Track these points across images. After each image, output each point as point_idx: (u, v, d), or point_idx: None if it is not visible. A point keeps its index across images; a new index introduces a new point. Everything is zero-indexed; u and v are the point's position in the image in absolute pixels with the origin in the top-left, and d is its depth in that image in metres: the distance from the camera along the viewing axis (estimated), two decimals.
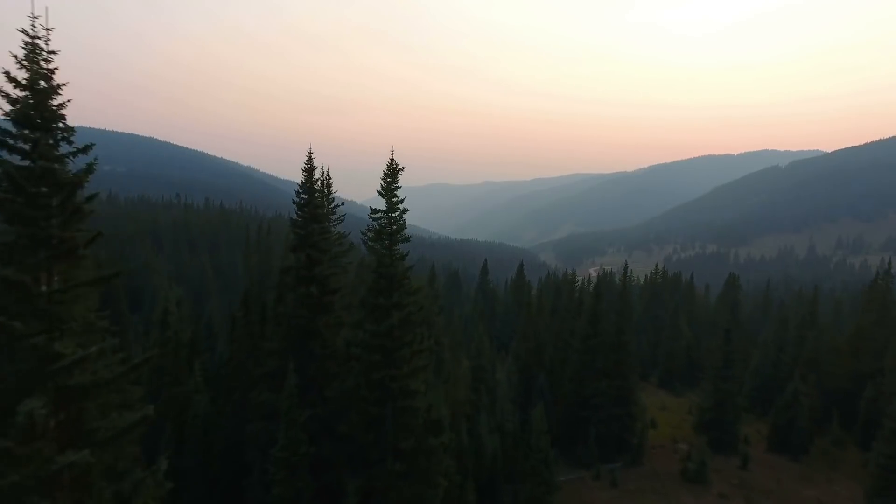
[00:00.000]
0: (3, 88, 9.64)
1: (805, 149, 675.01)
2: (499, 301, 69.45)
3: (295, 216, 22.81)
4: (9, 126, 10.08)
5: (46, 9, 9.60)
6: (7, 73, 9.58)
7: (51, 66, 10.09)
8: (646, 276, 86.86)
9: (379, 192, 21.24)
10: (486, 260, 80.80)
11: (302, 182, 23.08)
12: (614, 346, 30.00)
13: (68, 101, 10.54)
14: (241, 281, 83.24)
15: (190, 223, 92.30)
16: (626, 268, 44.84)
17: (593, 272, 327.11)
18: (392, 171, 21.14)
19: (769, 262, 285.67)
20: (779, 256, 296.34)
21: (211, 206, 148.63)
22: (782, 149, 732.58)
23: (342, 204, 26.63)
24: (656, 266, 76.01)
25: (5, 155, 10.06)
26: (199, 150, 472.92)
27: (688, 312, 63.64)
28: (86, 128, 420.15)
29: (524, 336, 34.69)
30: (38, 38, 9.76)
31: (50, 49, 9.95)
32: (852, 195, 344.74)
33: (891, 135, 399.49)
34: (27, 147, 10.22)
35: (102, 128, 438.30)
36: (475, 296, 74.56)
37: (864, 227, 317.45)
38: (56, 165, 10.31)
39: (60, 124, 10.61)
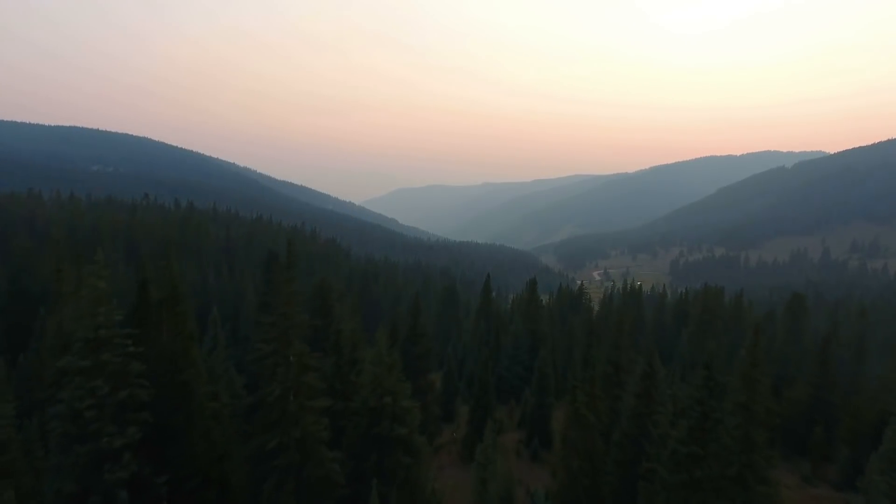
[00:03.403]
0: None
1: (808, 150, 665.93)
2: (504, 328, 55.01)
3: None
4: None
5: None
6: None
7: None
8: (681, 292, 72.70)
9: None
10: (489, 276, 66.22)
11: None
12: (740, 478, 15.90)
13: None
14: (190, 302, 69.00)
15: (134, 227, 77.69)
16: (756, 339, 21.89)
17: (597, 275, 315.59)
18: None
19: (782, 267, 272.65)
20: (792, 260, 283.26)
21: (180, 207, 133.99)
22: (785, 150, 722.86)
23: None
24: (705, 286, 61.30)
25: None
26: (195, 150, 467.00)
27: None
28: (79, 128, 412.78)
29: (568, 445, 20.17)
30: None
31: None
32: (865, 196, 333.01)
33: None
34: None
35: (96, 127, 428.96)
36: (476, 320, 60.17)
37: (880, 229, 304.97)
38: None
39: None
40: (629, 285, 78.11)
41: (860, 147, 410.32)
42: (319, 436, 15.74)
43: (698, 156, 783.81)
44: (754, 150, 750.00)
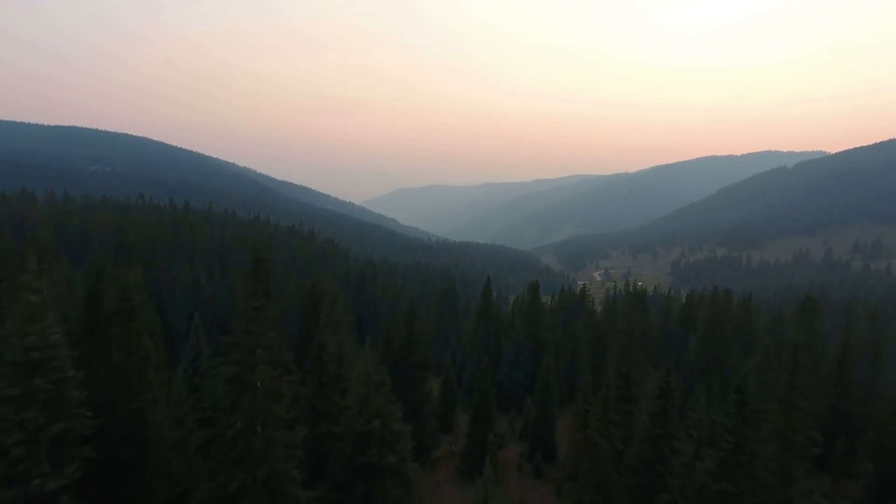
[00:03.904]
0: None
1: (808, 150, 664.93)
2: (505, 333, 52.81)
3: None
4: None
5: None
6: None
7: None
8: (687, 295, 70.61)
9: None
10: (489, 278, 64.00)
11: None
12: None
13: None
14: (181, 305, 66.83)
15: (124, 228, 75.47)
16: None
17: (598, 276, 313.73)
18: None
19: (785, 267, 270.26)
20: (794, 261, 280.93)
21: (176, 207, 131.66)
22: (785, 150, 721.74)
23: None
24: (719, 291, 58.97)
25: None
26: (195, 150, 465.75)
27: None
28: (78, 128, 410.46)
29: (579, 477, 18.00)
30: None
31: None
32: (867, 196, 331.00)
33: None
34: None
35: (96, 127, 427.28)
36: (476, 324, 58.01)
37: (882, 229, 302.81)
38: None
39: None
40: (632, 287, 75.96)
41: (862, 147, 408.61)
42: (291, 475, 13.55)
43: (699, 156, 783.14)
44: (755, 150, 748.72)
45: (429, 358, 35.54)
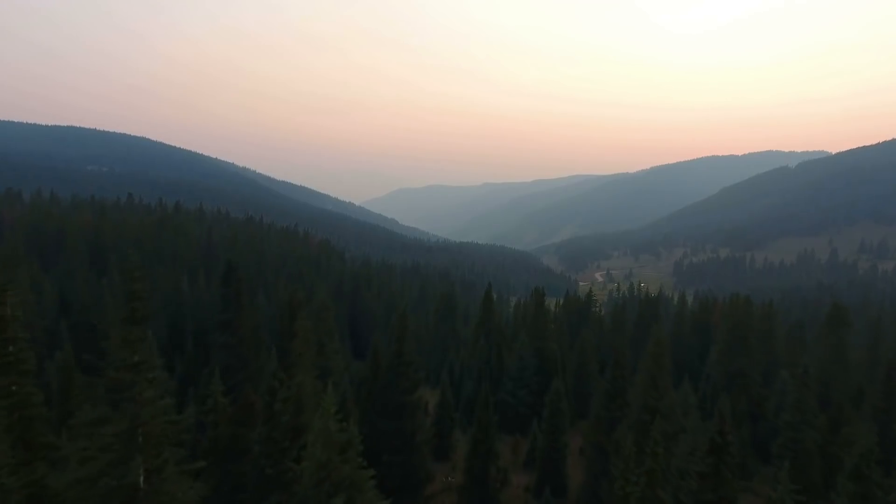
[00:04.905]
0: None
1: (810, 150, 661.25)
2: (508, 345, 48.54)
3: None
4: None
5: None
6: None
7: None
8: (700, 301, 66.44)
9: None
10: (490, 285, 59.74)
11: None
12: None
13: None
14: (161, 314, 62.45)
15: (103, 229, 71.16)
16: None
17: (599, 277, 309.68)
18: None
19: (790, 268, 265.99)
20: (799, 262, 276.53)
21: (166, 208, 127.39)
22: (787, 149, 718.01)
23: None
24: (739, 297, 54.50)
25: None
26: (194, 150, 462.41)
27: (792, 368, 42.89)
28: (76, 127, 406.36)
29: None
30: None
31: None
32: (872, 196, 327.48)
33: None
34: None
35: (94, 127, 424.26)
36: (476, 334, 53.63)
37: (888, 230, 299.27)
38: None
39: None
40: (637, 290, 71.63)
41: (865, 147, 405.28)
42: None
43: (700, 155, 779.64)
44: (756, 150, 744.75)
45: (420, 381, 31.21)
